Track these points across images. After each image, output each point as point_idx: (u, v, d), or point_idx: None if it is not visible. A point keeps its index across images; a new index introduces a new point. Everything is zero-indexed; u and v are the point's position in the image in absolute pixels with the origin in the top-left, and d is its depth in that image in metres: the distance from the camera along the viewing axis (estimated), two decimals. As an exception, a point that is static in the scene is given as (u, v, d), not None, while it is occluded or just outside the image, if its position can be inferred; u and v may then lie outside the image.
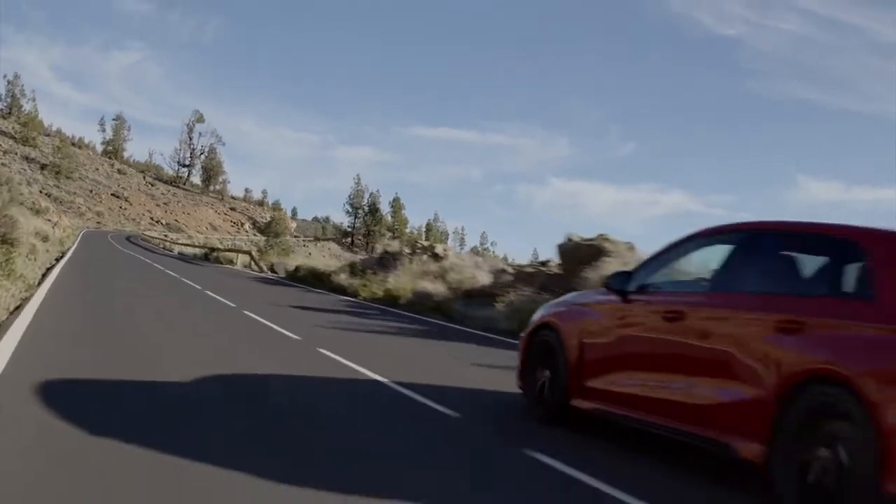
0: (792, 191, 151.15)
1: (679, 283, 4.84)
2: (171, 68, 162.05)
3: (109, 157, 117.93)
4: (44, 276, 15.28)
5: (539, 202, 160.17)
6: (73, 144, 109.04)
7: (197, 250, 43.10)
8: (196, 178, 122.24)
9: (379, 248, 26.19)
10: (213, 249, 37.69)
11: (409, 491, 3.45)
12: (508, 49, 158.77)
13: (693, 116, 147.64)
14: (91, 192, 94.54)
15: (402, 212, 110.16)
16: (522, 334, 5.82)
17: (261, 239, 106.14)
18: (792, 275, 4.09)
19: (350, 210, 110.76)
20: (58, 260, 20.94)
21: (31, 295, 10.82)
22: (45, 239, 22.65)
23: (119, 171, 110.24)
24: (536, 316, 5.75)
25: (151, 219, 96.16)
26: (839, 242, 3.92)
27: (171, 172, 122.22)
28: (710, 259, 4.57)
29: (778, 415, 3.57)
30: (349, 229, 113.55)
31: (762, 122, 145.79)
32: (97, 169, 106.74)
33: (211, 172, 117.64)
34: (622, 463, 4.36)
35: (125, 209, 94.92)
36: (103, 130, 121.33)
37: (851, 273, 3.78)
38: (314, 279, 19.76)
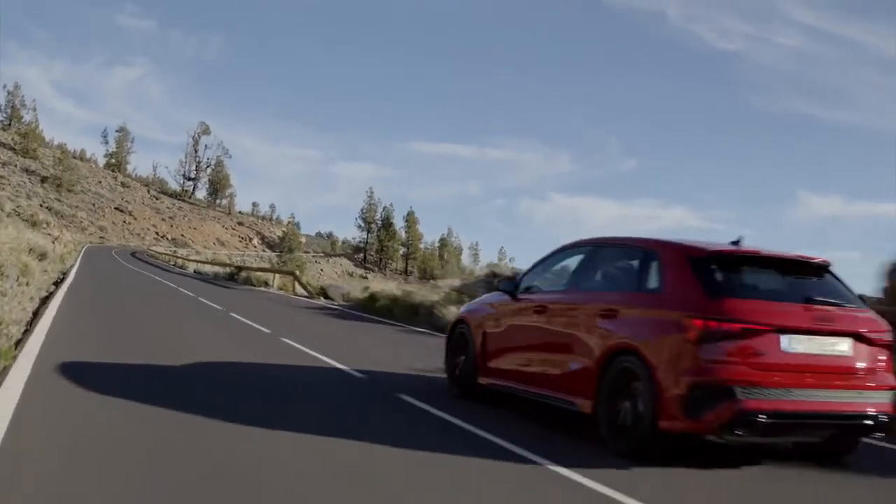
0: (792, 205, 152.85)
1: (549, 284, 6.21)
2: (172, 85, 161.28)
3: (112, 170, 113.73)
4: (39, 307, 10.72)
5: (540, 217, 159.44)
6: (75, 157, 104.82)
7: (217, 268, 38.11)
8: (202, 192, 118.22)
9: (480, 271, 21.47)
10: (240, 268, 32.44)
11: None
12: (508, 65, 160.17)
13: (694, 131, 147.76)
14: (94, 205, 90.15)
15: (417, 227, 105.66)
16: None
17: (271, 255, 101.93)
18: (614, 276, 5.55)
19: (362, 225, 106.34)
20: (58, 284, 16.25)
21: (19, 346, 6.34)
22: (43, 256, 18.02)
23: (123, 185, 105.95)
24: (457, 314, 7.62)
25: (156, 234, 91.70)
26: (643, 251, 5.28)
27: (176, 186, 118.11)
28: (570, 265, 6.12)
29: (599, 379, 4.95)
30: (361, 245, 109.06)
31: (763, 137, 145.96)
32: (100, 182, 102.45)
33: (218, 186, 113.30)
34: (498, 417, 5.72)
35: (129, 224, 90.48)
36: (106, 142, 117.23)
37: (650, 273, 5.08)
38: (404, 311, 14.46)
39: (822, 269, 5.03)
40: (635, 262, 5.28)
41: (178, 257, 56.46)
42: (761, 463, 4.88)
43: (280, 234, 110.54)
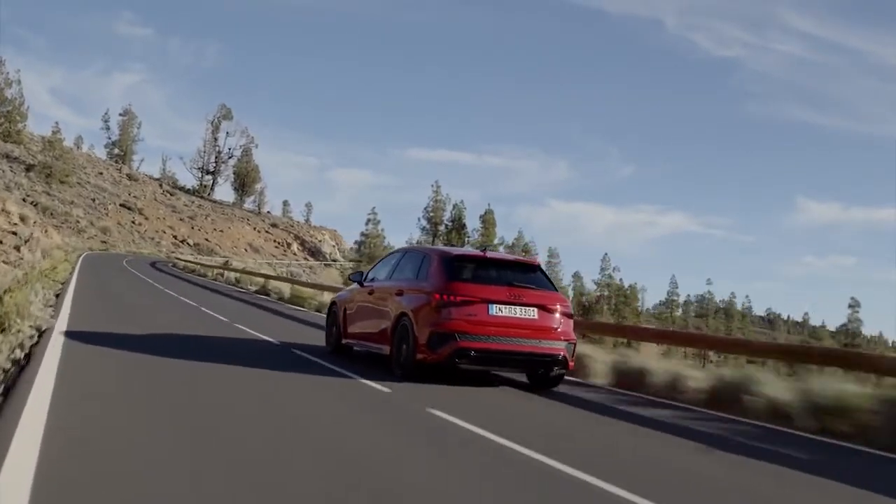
0: (790, 211, 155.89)
1: (380, 276, 9.15)
2: (171, 92, 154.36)
3: (116, 161, 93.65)
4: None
5: (538, 224, 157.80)
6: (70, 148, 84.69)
7: (309, 292, 18.32)
8: (225, 189, 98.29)
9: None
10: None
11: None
12: (506, 73, 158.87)
13: (692, 138, 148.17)
14: (94, 201, 69.97)
15: (495, 228, 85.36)
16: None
17: (314, 264, 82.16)
18: (407, 270, 8.44)
19: (427, 227, 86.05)
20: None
21: None
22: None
23: (129, 177, 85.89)
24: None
25: (174, 237, 71.54)
26: (421, 254, 8.53)
27: (193, 181, 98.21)
28: (391, 263, 9.19)
29: (393, 333, 7.95)
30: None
31: (760, 144, 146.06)
32: (101, 173, 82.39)
33: (246, 179, 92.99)
34: (351, 362, 8.79)
35: (139, 225, 70.31)
36: (107, 128, 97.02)
37: (421, 267, 8.11)
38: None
39: (533, 266, 8.29)
40: (417, 261, 8.35)
41: (232, 270, 36.00)
42: (498, 386, 8.01)
43: (318, 238, 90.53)
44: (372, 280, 9.15)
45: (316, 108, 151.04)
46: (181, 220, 76.59)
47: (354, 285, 9.61)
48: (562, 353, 7.49)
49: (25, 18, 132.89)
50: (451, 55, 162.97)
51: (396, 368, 7.77)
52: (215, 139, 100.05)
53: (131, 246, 62.91)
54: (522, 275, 7.90)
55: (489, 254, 8.25)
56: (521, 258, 9.51)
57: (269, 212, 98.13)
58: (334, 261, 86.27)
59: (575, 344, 7.85)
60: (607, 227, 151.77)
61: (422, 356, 7.35)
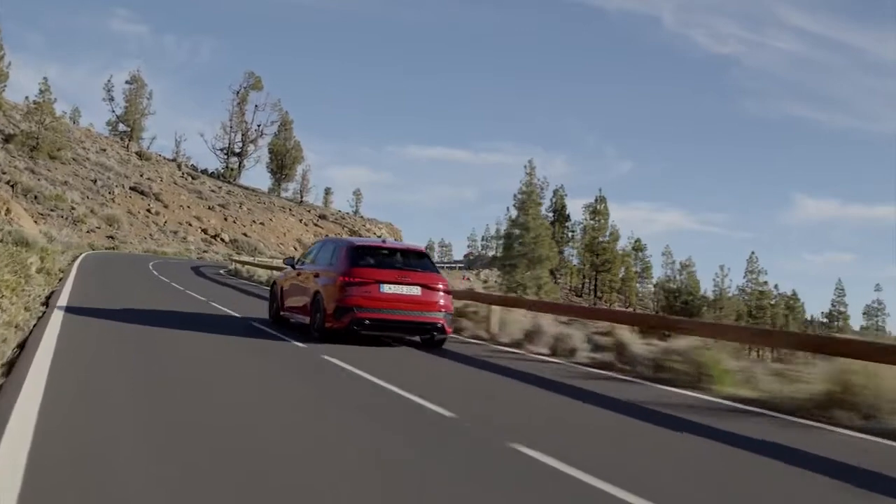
0: (787, 208, 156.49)
1: (307, 261, 10.98)
2: (165, 89, 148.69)
3: (122, 139, 75.36)
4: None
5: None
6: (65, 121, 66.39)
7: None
8: (254, 173, 79.93)
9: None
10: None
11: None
12: (503, 69, 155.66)
13: (689, 135, 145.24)
14: (95, 183, 51.78)
15: (607, 219, 67.00)
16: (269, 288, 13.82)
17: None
18: (326, 257, 10.16)
19: (520, 217, 67.77)
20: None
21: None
22: None
23: (140, 156, 67.76)
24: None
25: (204, 231, 53.39)
26: (334, 243, 10.53)
27: (213, 166, 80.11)
28: (315, 250, 11.21)
29: (312, 307, 9.67)
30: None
31: (758, 140, 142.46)
32: (104, 150, 64.17)
33: (285, 160, 74.65)
34: (284, 329, 10.43)
35: (157, 214, 52.12)
36: (111, 98, 78.37)
37: (334, 255, 9.91)
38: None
39: (421, 253, 10.39)
40: (330, 250, 10.27)
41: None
42: (398, 347, 9.55)
43: (376, 233, 72.32)
44: (301, 264, 11.18)
45: (312, 106, 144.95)
46: (210, 208, 58.39)
47: (288, 268, 11.60)
48: (441, 321, 9.52)
49: (19, 12, 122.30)
50: (447, 53, 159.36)
51: (314, 332, 9.55)
52: (242, 113, 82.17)
53: (148, 243, 44.76)
54: (410, 260, 10.02)
55: (386, 243, 10.52)
56: (412, 246, 11.20)
57: (304, 200, 79.84)
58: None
59: (452, 314, 9.99)
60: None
61: (329, 324, 9.23)
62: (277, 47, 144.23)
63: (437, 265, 11.64)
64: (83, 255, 27.63)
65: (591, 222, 66.06)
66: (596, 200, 66.18)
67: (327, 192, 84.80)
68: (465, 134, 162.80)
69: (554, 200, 67.42)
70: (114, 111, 77.84)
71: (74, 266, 20.22)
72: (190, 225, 53.11)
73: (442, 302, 9.49)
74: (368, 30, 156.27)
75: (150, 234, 47.53)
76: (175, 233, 50.04)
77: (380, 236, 17.73)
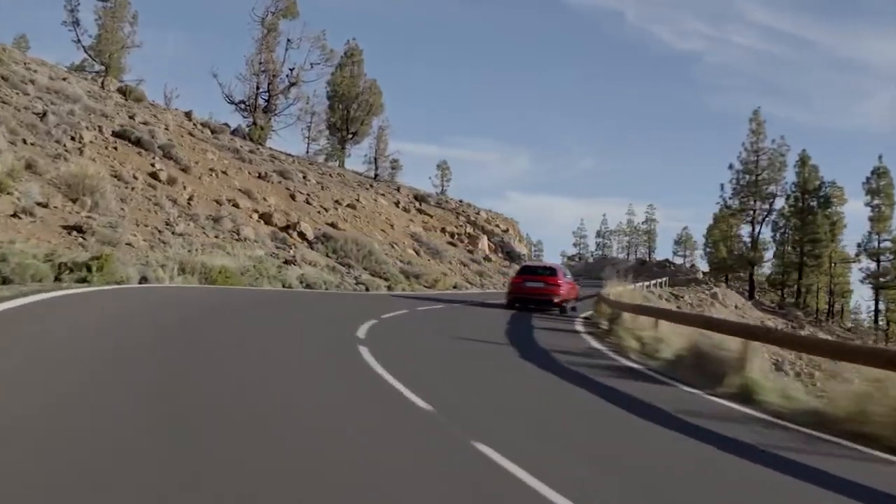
0: None
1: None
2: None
3: (95, 78, 48.35)
4: None
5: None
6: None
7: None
8: (289, 134, 53.57)
9: None
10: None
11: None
12: (465, 64, 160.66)
13: (652, 130, 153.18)
14: (45, 118, 25.32)
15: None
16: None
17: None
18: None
19: (732, 200, 43.14)
20: None
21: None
22: None
23: (123, 94, 41.09)
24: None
25: (256, 213, 27.35)
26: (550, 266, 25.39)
27: (240, 121, 53.80)
28: None
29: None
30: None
31: (721, 136, 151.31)
32: (64, 79, 37.45)
33: (353, 111, 48.08)
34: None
35: (173, 184, 25.87)
36: (75, 22, 50.81)
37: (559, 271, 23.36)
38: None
39: (551, 268, 22.34)
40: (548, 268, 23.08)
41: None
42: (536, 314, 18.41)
43: (501, 232, 46.98)
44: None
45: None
46: (261, 177, 32.26)
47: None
48: (558, 302, 20.35)
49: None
50: (410, 46, 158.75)
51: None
52: (271, 52, 55.80)
53: (165, 246, 18.89)
54: (547, 270, 21.82)
55: (532, 264, 27.94)
56: (546, 264, 23.57)
57: (378, 175, 53.47)
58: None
59: (572, 298, 21.71)
60: (572, 219, 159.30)
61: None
62: (237, 37, 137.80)
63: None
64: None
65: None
66: (877, 168, 41.46)
67: (393, 164, 58.00)
68: (431, 129, 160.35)
69: (801, 174, 42.60)
70: (79, 41, 50.87)
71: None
72: (236, 206, 27.08)
73: (567, 290, 20.78)
74: (327, 25, 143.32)
75: (166, 223, 21.57)
76: (215, 220, 24.06)
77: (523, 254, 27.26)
